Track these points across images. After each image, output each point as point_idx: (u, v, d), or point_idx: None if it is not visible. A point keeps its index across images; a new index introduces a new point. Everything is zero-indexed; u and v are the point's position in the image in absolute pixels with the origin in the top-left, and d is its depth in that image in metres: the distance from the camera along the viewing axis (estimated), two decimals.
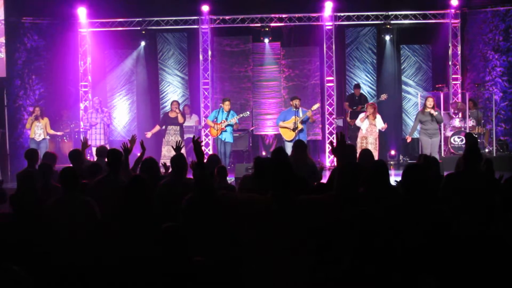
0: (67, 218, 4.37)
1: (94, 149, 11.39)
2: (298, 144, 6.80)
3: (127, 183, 4.37)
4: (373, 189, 4.26)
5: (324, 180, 7.39)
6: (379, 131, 10.95)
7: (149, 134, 11.58)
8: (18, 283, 3.01)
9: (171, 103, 11.67)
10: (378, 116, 10.99)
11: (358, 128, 11.03)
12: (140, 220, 4.01)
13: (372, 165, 4.62)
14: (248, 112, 11.54)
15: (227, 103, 10.98)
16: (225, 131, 10.86)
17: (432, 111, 10.28)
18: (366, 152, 6.43)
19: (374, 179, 4.33)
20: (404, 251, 3.39)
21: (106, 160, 7.52)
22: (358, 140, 10.92)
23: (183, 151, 6.30)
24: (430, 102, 10.40)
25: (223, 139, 10.87)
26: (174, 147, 5.93)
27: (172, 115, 11.40)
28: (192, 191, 4.35)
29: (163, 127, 11.53)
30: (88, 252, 4.07)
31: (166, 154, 11.24)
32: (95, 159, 9.20)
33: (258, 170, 4.83)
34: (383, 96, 12.19)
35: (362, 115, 11.04)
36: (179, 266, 3.30)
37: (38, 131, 11.43)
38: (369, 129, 10.86)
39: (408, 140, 11.22)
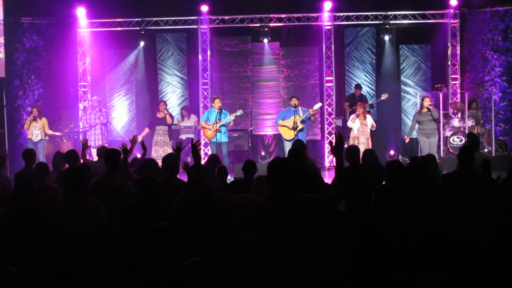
0: (74, 219, 4.34)
1: (93, 150, 11.40)
2: (297, 144, 6.81)
3: (138, 182, 4.36)
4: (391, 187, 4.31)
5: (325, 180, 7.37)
6: (372, 130, 11.02)
7: (139, 138, 11.47)
8: (13, 283, 2.98)
9: (159, 104, 11.64)
10: (369, 116, 11.05)
11: (350, 129, 11.09)
12: (150, 220, 4.01)
13: (390, 165, 4.70)
14: (241, 111, 11.28)
15: (217, 100, 10.78)
16: (219, 131, 10.71)
17: (430, 107, 10.44)
18: (370, 153, 6.47)
19: (392, 178, 4.38)
20: (405, 250, 3.40)
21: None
22: (350, 140, 10.96)
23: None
24: (427, 101, 10.51)
25: (216, 141, 10.69)
26: (173, 147, 5.95)
27: (160, 115, 11.38)
28: (184, 191, 4.35)
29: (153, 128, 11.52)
30: (94, 253, 4.06)
31: (154, 154, 11.15)
32: (94, 159, 9.21)
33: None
34: (384, 96, 12.21)
35: (353, 115, 11.10)
36: (170, 266, 3.29)
37: (36, 131, 11.39)
38: (361, 129, 10.91)
39: (406, 141, 11.29)
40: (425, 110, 10.47)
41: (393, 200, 4.11)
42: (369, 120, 10.97)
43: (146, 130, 11.71)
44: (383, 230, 2.77)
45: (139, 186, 4.28)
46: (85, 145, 7.28)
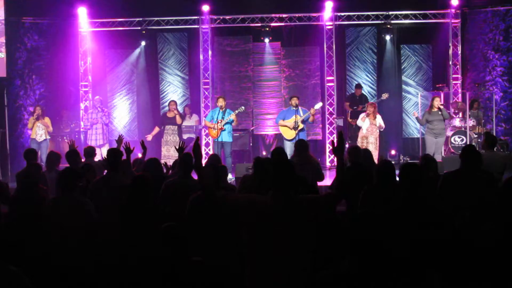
0: (62, 218, 4.36)
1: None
2: (300, 144, 6.80)
3: (131, 182, 4.36)
4: (381, 188, 4.30)
5: (325, 180, 7.39)
6: (379, 130, 11.00)
7: (149, 137, 11.48)
8: (14, 283, 2.97)
9: (169, 103, 11.62)
10: (378, 116, 11.03)
11: (359, 128, 11.05)
12: (143, 220, 4.01)
13: (380, 165, 4.68)
14: (243, 107, 11.29)
15: (220, 100, 10.79)
16: (224, 130, 10.71)
17: (441, 106, 10.57)
18: (366, 153, 6.46)
19: (382, 179, 4.37)
20: (404, 250, 3.40)
21: (95, 160, 7.58)
22: (359, 140, 10.93)
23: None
24: (437, 101, 10.61)
25: (220, 140, 10.68)
26: (175, 147, 5.95)
27: (170, 115, 11.35)
28: (198, 190, 4.36)
29: (162, 127, 11.51)
30: (85, 253, 4.07)
31: (166, 153, 11.20)
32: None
33: (258, 170, 4.85)
34: (385, 95, 12.21)
35: (363, 114, 11.06)
36: (178, 266, 3.29)
37: (40, 131, 11.41)
38: (370, 129, 10.88)
39: (415, 115, 11.37)
40: (436, 109, 10.53)
41: (382, 201, 4.11)
42: (379, 120, 10.94)
43: (156, 129, 11.68)
44: (380, 230, 2.77)
45: (130, 186, 4.27)
46: (72, 147, 7.27)
